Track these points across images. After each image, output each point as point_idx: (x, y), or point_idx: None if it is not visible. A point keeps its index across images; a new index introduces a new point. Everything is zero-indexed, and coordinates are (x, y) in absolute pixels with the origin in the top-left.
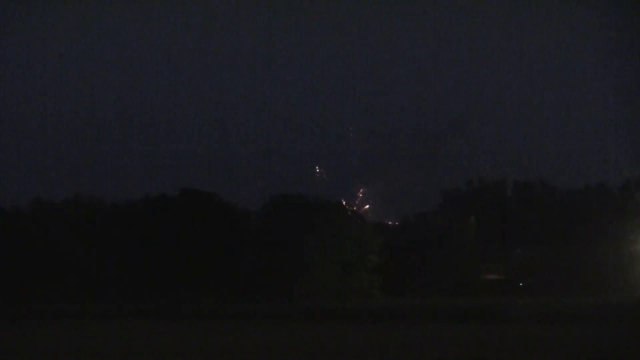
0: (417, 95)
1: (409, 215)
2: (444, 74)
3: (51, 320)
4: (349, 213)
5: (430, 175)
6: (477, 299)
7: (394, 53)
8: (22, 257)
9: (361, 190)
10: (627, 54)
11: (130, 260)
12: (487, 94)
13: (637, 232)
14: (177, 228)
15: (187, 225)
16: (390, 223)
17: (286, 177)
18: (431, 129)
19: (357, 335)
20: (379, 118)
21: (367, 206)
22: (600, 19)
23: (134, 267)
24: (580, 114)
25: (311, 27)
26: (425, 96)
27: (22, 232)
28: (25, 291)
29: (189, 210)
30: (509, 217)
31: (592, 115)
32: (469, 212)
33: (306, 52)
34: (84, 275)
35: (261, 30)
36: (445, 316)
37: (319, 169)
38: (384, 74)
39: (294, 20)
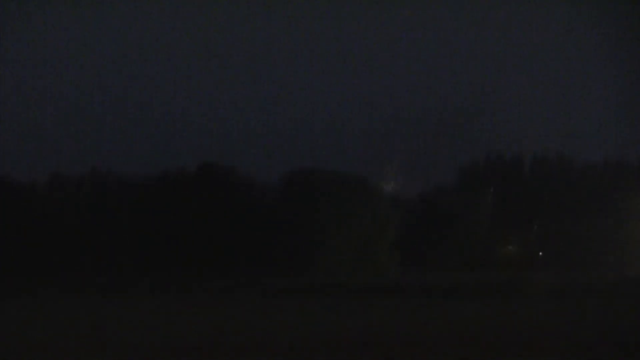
0: (435, 71)
1: (427, 190)
2: (462, 50)
3: (66, 294)
4: (367, 188)
5: (448, 149)
6: (494, 274)
7: (414, 28)
8: (38, 231)
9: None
10: None
11: (146, 234)
12: (504, 68)
13: None
14: (194, 202)
15: (204, 200)
16: (408, 198)
17: (305, 150)
18: (449, 104)
19: (372, 309)
20: (398, 94)
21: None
22: None
23: (150, 241)
24: (598, 87)
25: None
26: (443, 72)
27: (39, 207)
28: (40, 265)
29: (206, 185)
30: (527, 191)
31: (611, 88)
32: (486, 186)
33: (329, 27)
34: (100, 249)
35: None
36: (461, 291)
37: None
38: (405, 50)
39: None
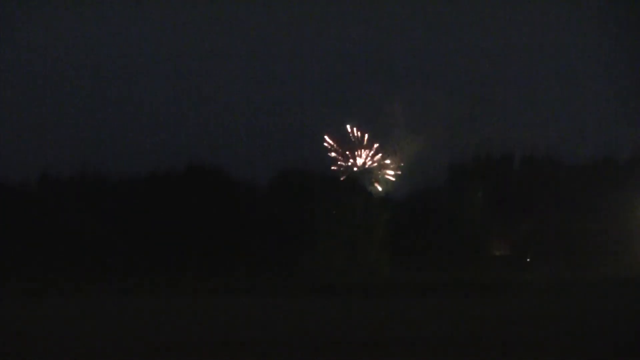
0: (426, 71)
1: (416, 190)
2: (454, 47)
3: (57, 295)
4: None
5: (437, 150)
6: (484, 272)
7: (403, 25)
8: (29, 233)
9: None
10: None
11: (136, 236)
12: (493, 67)
13: None
14: (183, 204)
15: (193, 202)
16: (398, 197)
17: (293, 151)
18: (440, 104)
19: (360, 309)
20: (388, 92)
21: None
22: None
23: (140, 243)
24: (587, 87)
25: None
26: (433, 71)
27: (30, 208)
28: (32, 266)
29: (194, 187)
30: (516, 191)
31: (599, 88)
32: (475, 187)
33: (313, 20)
34: (91, 251)
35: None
36: (451, 290)
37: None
38: (394, 47)
39: None
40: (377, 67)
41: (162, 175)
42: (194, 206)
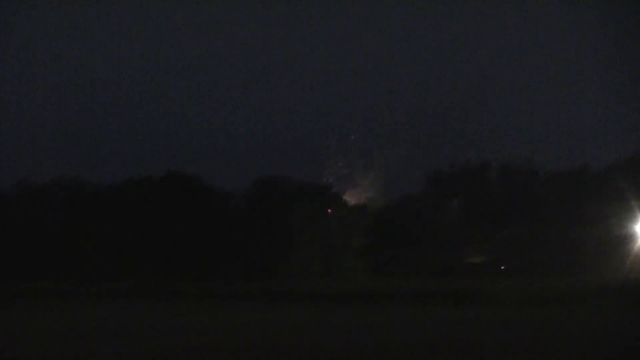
0: (404, 81)
1: (393, 197)
2: (435, 59)
3: (36, 300)
4: (333, 194)
5: (414, 157)
6: (460, 282)
7: (391, 39)
8: (6, 239)
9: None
10: (613, 37)
11: (113, 242)
12: (472, 78)
13: (619, 215)
14: (161, 210)
15: (170, 208)
16: (373, 205)
17: (271, 158)
18: (417, 113)
19: (338, 316)
20: (368, 101)
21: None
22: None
23: (117, 249)
24: (565, 98)
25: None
26: (411, 81)
27: (7, 215)
28: (9, 272)
29: (172, 193)
30: (493, 199)
31: (576, 98)
32: (452, 194)
33: (297, 30)
34: (68, 256)
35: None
36: (428, 298)
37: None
38: (379, 56)
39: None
40: (353, 73)
41: (139, 181)
42: (171, 213)
